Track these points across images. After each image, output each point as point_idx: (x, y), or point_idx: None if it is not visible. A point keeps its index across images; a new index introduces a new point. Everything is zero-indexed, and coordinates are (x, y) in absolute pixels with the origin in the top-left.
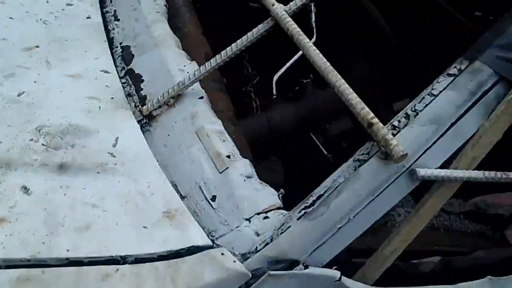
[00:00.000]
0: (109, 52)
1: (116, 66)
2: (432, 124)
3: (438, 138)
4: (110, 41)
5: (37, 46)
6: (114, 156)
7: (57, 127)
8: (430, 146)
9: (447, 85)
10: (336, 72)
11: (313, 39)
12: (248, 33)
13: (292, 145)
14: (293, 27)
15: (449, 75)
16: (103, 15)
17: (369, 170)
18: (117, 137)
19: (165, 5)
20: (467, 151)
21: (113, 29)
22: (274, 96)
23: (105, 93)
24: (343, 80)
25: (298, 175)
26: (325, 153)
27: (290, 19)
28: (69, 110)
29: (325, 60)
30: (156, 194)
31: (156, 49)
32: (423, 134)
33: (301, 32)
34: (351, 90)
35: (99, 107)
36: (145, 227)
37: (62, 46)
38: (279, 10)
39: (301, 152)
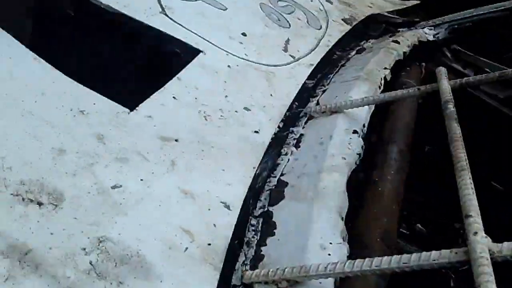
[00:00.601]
0: (249, 184)
1: (256, 200)
2: None
3: None
4: (273, 167)
5: (176, 140)
6: None
7: (117, 251)
8: None
9: None
10: None
11: None
12: (414, 255)
13: None
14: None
15: None
16: (284, 134)
17: None
18: None
19: (358, 154)
20: None
21: (286, 154)
22: None
23: (205, 233)
24: None
25: None
26: None
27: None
28: (149, 234)
29: None
30: None
31: (309, 204)
32: None
33: None
34: None
35: (186, 248)
36: None
37: (202, 152)
38: (481, 247)
39: None
